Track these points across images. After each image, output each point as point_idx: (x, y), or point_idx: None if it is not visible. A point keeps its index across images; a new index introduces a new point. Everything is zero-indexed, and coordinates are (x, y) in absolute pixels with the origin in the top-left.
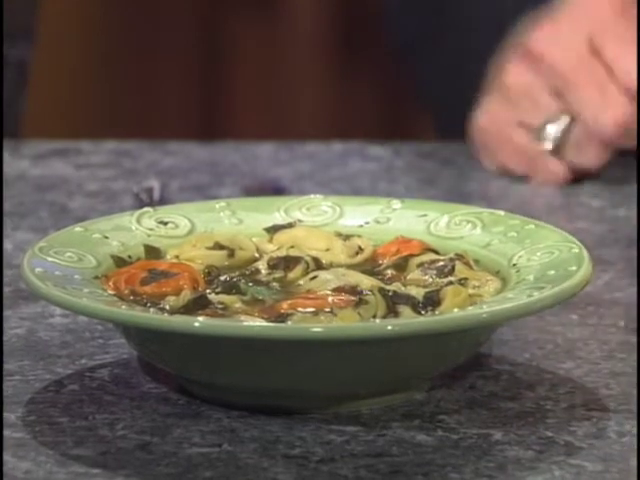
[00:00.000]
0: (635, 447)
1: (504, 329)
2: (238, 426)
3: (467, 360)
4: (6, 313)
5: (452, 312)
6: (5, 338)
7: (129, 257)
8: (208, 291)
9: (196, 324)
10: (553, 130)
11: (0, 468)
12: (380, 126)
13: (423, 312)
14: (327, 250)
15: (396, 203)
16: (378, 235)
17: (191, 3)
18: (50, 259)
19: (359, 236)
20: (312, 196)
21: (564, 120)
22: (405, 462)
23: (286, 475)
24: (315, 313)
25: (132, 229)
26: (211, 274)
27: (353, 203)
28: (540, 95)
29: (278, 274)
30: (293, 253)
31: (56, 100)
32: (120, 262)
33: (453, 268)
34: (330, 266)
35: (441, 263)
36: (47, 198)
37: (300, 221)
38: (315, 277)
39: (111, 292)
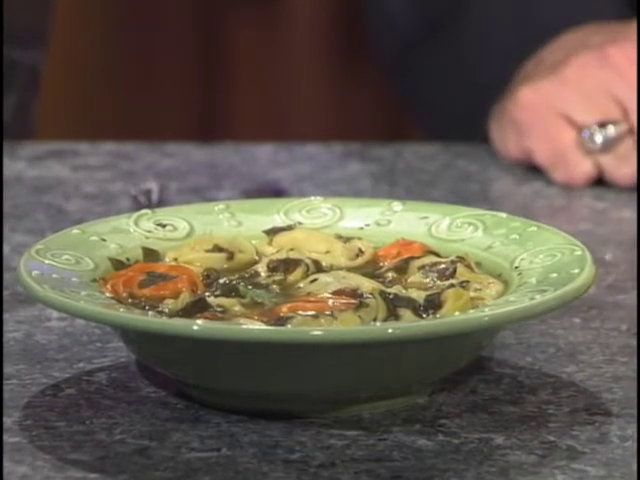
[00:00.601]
0: (637, 452)
1: (506, 332)
2: (237, 430)
3: (468, 364)
4: (3, 316)
5: (453, 315)
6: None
7: (127, 260)
8: (207, 294)
9: (195, 327)
10: (609, 132)
11: None
12: (381, 127)
13: (424, 315)
14: (327, 253)
15: (397, 205)
16: (379, 237)
17: (190, 3)
18: (47, 262)
19: (359, 238)
20: (312, 198)
21: (621, 127)
22: (406, 467)
23: None
24: (315, 316)
25: (130, 231)
26: (210, 277)
27: (353, 205)
28: (601, 95)
29: (278, 277)
30: (293, 256)
31: (53, 101)
32: (118, 265)
33: (454, 271)
34: (330, 269)
35: (442, 266)
36: (44, 200)
37: (300, 223)
38: (315, 280)
39: (109, 295)
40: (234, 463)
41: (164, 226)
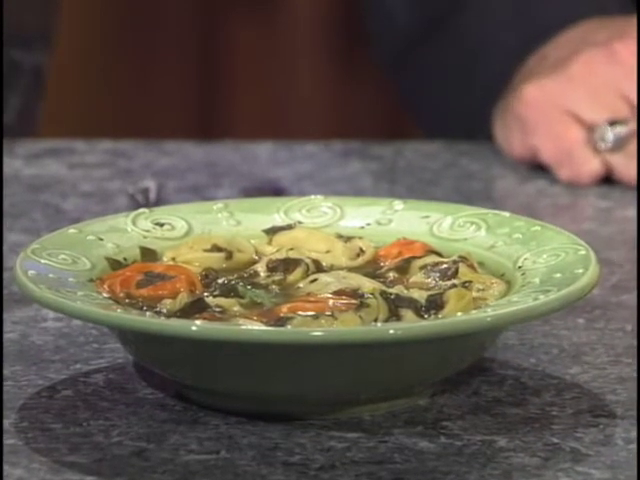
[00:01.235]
0: None
1: (509, 333)
2: (236, 432)
3: (471, 365)
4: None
5: (455, 316)
6: None
7: (124, 259)
8: (205, 294)
9: (193, 328)
10: (620, 131)
11: None
12: (381, 125)
13: (426, 316)
14: (327, 252)
15: (398, 204)
16: (380, 237)
17: (190, 1)
18: (43, 261)
19: (360, 238)
20: (312, 197)
21: (631, 125)
22: (408, 469)
23: None
24: (315, 317)
25: (128, 231)
26: (209, 277)
27: (354, 204)
28: (609, 92)
29: (277, 277)
30: (293, 255)
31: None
32: (115, 264)
33: (457, 271)
34: (330, 268)
35: (444, 266)
36: (40, 199)
37: (300, 222)
38: (315, 280)
39: (106, 295)
40: (233, 466)
41: (162, 225)
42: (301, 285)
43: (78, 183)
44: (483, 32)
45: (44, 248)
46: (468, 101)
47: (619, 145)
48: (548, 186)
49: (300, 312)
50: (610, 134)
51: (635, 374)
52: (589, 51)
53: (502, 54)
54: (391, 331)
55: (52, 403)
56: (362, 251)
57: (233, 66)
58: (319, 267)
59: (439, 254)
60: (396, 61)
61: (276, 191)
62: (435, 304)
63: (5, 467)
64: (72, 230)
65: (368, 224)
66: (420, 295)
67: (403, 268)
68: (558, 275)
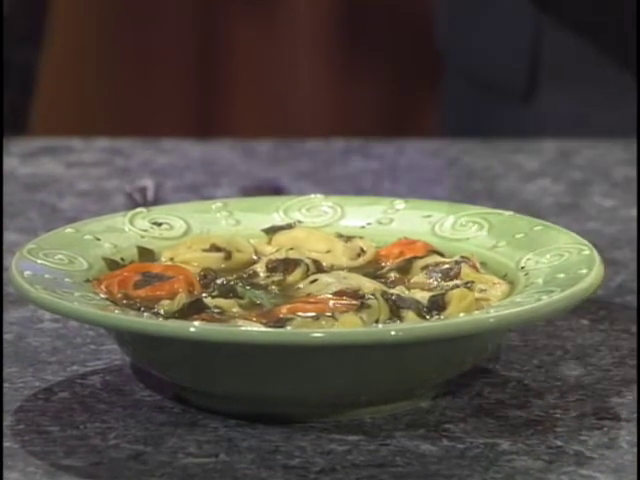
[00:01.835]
0: None
1: (512, 334)
2: (235, 435)
3: (473, 367)
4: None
5: (458, 317)
6: None
7: (122, 259)
8: (204, 295)
9: (191, 329)
10: None
11: None
12: (383, 122)
13: (428, 317)
14: (328, 252)
15: (399, 203)
16: (381, 236)
17: None
18: (40, 261)
19: (361, 237)
20: (312, 196)
21: None
22: (409, 473)
23: None
24: (315, 318)
25: (125, 230)
26: (207, 277)
27: (355, 203)
28: None
29: (277, 277)
30: (292, 255)
31: (47, 96)
32: (112, 265)
33: (459, 271)
34: (331, 269)
35: (446, 266)
36: (37, 198)
37: (300, 222)
38: (315, 280)
39: (103, 296)
40: (232, 469)
41: (160, 225)
42: (301, 286)
43: (75, 182)
44: None
45: (40, 248)
46: None
47: None
48: (551, 185)
49: (300, 313)
50: None
51: None
52: None
53: None
54: (392, 332)
55: (48, 405)
56: (363, 251)
57: (232, 63)
58: (319, 267)
59: (441, 254)
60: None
61: (276, 190)
62: (437, 305)
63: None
64: (69, 230)
65: (369, 223)
66: (422, 296)
67: (404, 268)
68: (562, 275)
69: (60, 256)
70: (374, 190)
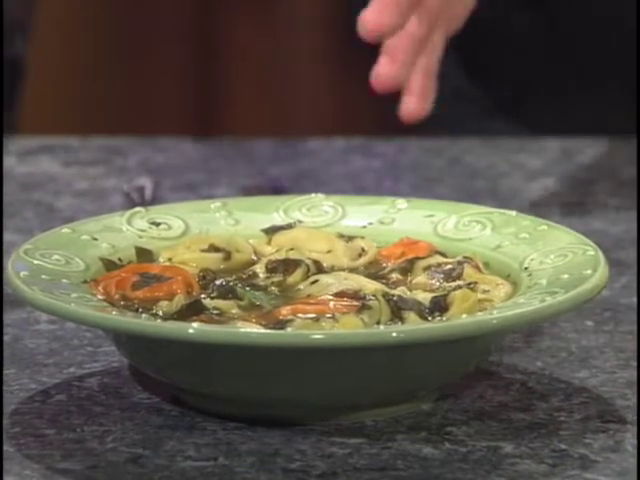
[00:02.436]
0: None
1: (515, 336)
2: (234, 438)
3: (476, 369)
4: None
5: (460, 318)
6: None
7: (119, 260)
8: (203, 296)
9: (190, 331)
10: None
11: None
12: (384, 121)
13: (430, 318)
14: (328, 252)
15: (401, 203)
16: (382, 236)
17: None
18: (36, 262)
19: (362, 238)
20: (313, 195)
21: None
22: (411, 476)
23: None
24: (316, 319)
25: (122, 230)
26: (206, 278)
27: (356, 203)
28: None
29: (277, 278)
30: (293, 256)
31: (42, 93)
32: (110, 265)
33: (461, 272)
34: (331, 269)
35: (449, 266)
36: (33, 197)
37: (300, 222)
38: (316, 281)
39: (101, 297)
40: (231, 472)
41: (158, 225)
42: (301, 286)
43: (72, 181)
44: None
45: (37, 248)
46: None
47: None
48: (555, 184)
49: (300, 314)
50: None
51: None
52: None
53: None
54: (394, 334)
55: (45, 408)
56: (364, 251)
57: (232, 61)
58: (320, 268)
59: (443, 254)
60: None
61: (276, 189)
62: (439, 306)
63: None
64: (66, 230)
65: (370, 223)
66: (424, 297)
67: (406, 269)
68: (566, 276)
69: (57, 256)
70: (375, 189)
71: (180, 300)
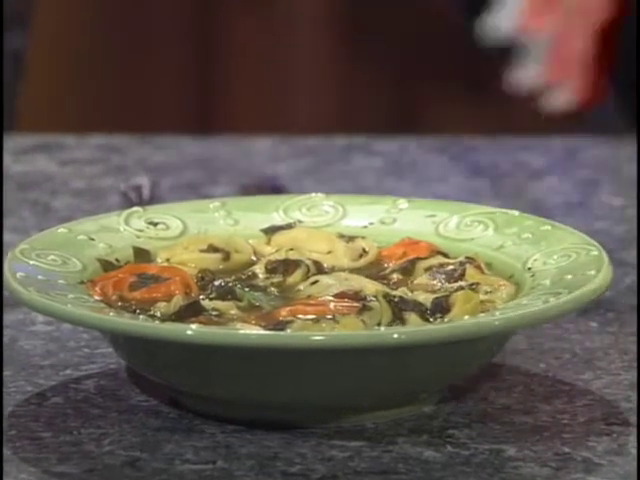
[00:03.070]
0: None
1: (518, 337)
2: (233, 441)
3: (478, 371)
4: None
5: (462, 319)
6: None
7: (117, 260)
8: (201, 297)
9: (189, 332)
10: None
11: None
12: (386, 119)
13: (431, 319)
14: (329, 253)
15: (402, 202)
16: (383, 237)
17: None
18: (32, 262)
19: (363, 238)
20: (313, 195)
21: None
22: None
23: None
24: (316, 320)
25: (120, 230)
26: (205, 279)
27: (357, 202)
28: None
29: (276, 279)
30: (292, 256)
31: (38, 90)
32: (107, 266)
33: (463, 272)
34: (332, 270)
35: (451, 267)
36: (29, 197)
37: (300, 222)
38: (316, 282)
39: (98, 298)
40: (230, 476)
41: (156, 224)
42: (301, 287)
43: (68, 180)
44: None
45: (33, 248)
46: None
47: None
48: (559, 183)
49: (300, 315)
50: None
51: None
52: None
53: None
54: (395, 335)
55: (41, 410)
56: (365, 252)
57: (231, 56)
58: (320, 268)
59: (445, 255)
60: None
61: (275, 188)
62: (441, 307)
63: None
64: (62, 230)
65: (371, 223)
66: (425, 298)
67: (408, 269)
68: (569, 277)
69: (53, 257)
70: (377, 189)
71: (178, 301)
